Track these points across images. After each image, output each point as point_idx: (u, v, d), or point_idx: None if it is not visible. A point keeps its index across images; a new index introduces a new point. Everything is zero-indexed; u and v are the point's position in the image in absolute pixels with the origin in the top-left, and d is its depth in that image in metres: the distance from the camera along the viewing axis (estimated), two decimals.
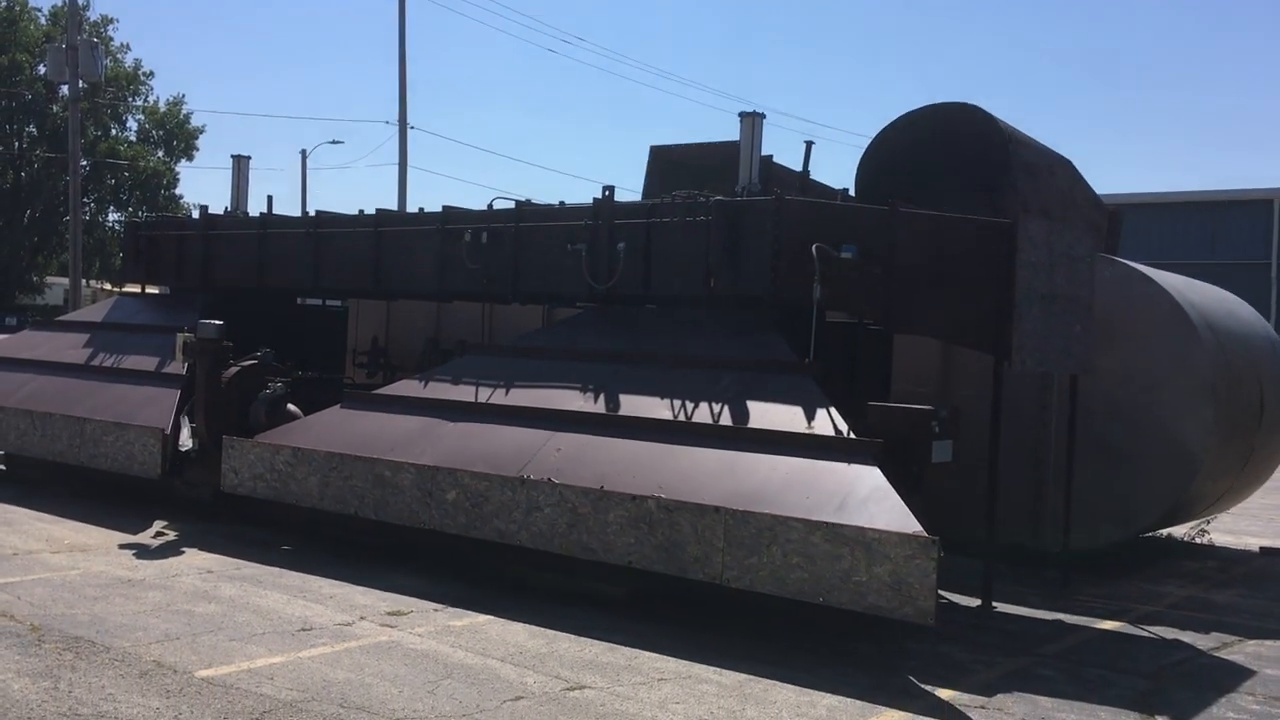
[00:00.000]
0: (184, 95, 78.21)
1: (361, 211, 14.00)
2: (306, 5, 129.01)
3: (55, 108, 56.52)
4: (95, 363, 14.39)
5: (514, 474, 9.53)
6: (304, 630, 8.17)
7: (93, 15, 58.01)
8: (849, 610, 7.85)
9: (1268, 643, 9.21)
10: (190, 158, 63.85)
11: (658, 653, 7.90)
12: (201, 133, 63.63)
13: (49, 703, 6.42)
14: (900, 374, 11.69)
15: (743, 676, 7.45)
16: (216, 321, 12.23)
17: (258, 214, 15.41)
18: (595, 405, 10.04)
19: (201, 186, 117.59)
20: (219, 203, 27.12)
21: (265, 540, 11.33)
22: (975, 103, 11.07)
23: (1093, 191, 12.41)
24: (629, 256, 11.15)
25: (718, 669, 7.58)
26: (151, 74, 62.30)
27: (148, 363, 13.69)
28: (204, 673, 7.07)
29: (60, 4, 56.47)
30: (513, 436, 10.05)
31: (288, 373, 12.66)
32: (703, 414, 9.38)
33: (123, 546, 10.90)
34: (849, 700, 7.10)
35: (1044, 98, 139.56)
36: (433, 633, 8.25)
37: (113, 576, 9.59)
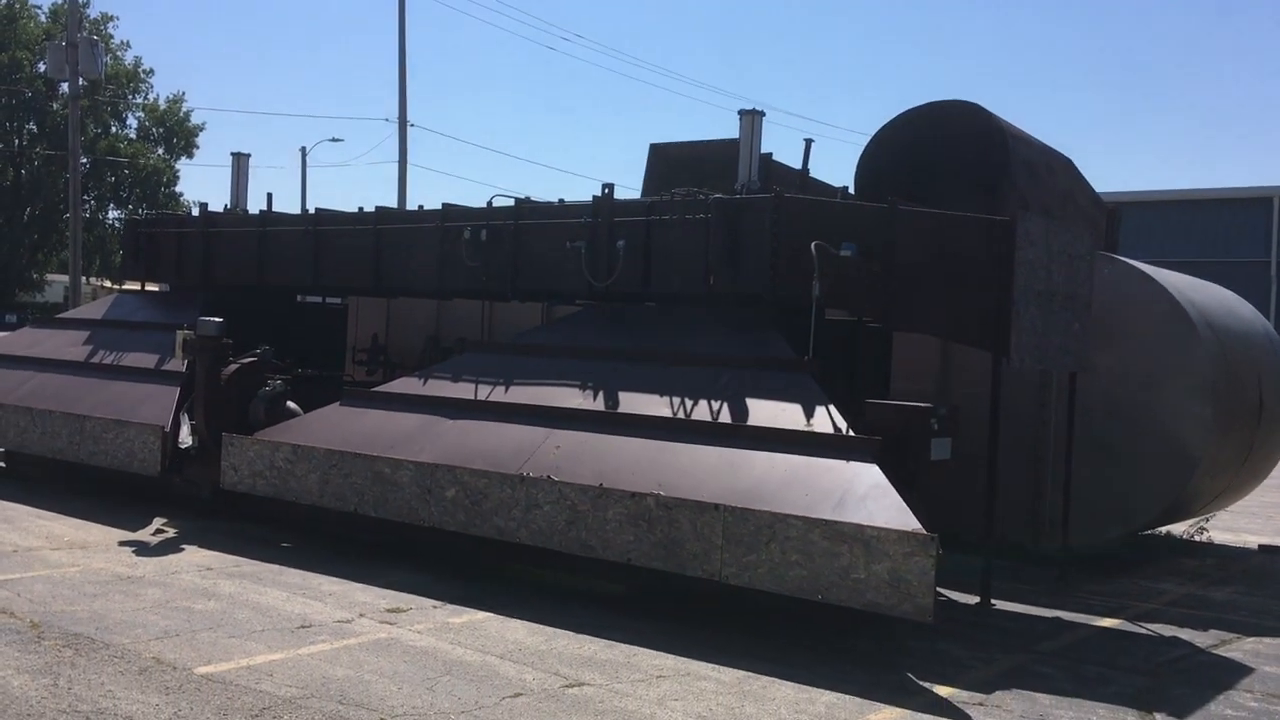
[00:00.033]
0: (184, 93, 78.33)
1: (361, 209, 14.03)
2: (306, 3, 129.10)
3: (55, 105, 56.61)
4: (95, 360, 14.39)
5: (513, 471, 9.54)
6: (303, 627, 8.18)
7: (93, 13, 58.20)
8: (847, 607, 7.86)
9: (1266, 640, 9.21)
10: (190, 155, 64.11)
11: (656, 650, 7.91)
12: (201, 130, 63.94)
13: (48, 699, 6.43)
14: (899, 372, 11.69)
15: (741, 673, 7.46)
16: (216, 319, 12.23)
17: (258, 212, 15.42)
18: (594, 403, 10.05)
19: (201, 184, 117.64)
20: (219, 200, 27.19)
21: (265, 537, 11.34)
22: (975, 101, 11.11)
23: (1092, 189, 12.43)
24: (628, 254, 11.16)
25: (716, 666, 7.58)
26: (151, 71, 62.58)
27: (147, 360, 13.69)
28: (203, 669, 7.08)
29: (60, 2, 56.59)
30: (512, 434, 10.06)
31: (287, 370, 12.66)
32: (702, 411, 9.39)
33: (122, 543, 10.91)
34: (847, 697, 7.10)
35: (1044, 97, 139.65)
36: (432, 630, 8.26)
37: (112, 573, 9.60)
